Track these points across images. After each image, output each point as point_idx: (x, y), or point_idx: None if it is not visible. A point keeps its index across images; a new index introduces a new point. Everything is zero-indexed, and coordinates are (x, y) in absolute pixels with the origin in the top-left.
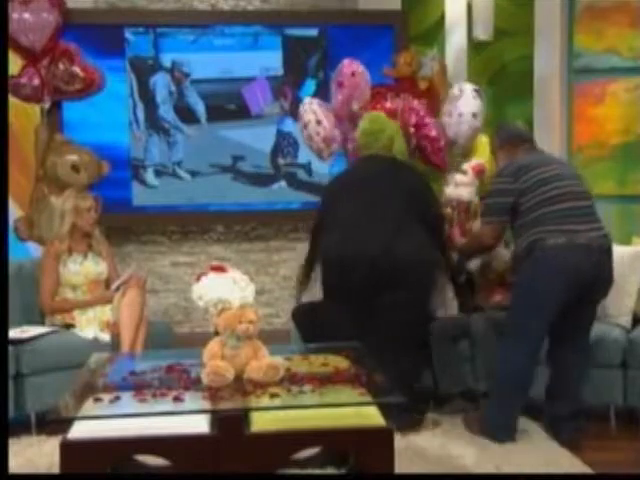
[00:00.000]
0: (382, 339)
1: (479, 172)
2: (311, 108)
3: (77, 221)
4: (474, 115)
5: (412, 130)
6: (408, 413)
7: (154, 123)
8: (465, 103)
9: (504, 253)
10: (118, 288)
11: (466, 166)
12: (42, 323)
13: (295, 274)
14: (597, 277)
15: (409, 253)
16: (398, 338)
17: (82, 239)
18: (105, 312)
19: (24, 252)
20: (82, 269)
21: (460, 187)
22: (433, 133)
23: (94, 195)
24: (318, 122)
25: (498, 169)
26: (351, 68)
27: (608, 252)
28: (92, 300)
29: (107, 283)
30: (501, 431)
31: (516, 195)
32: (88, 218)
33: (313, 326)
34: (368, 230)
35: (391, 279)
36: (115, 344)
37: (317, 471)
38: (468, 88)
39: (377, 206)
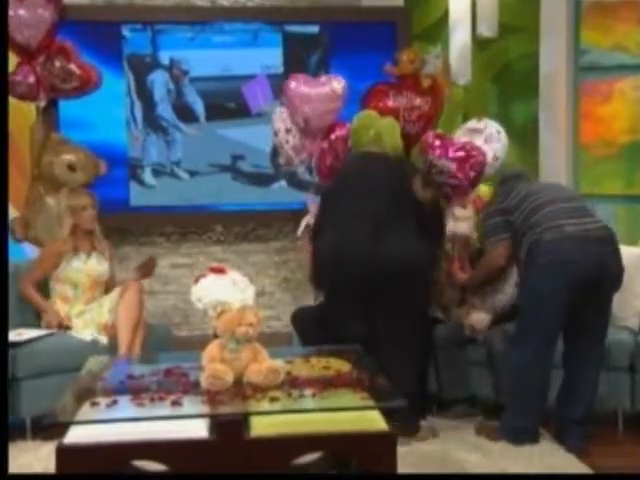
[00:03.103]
0: (383, 341)
1: (479, 207)
2: (281, 117)
3: (75, 220)
4: (500, 159)
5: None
6: (408, 417)
7: (152, 122)
8: (501, 148)
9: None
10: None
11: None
12: (38, 326)
13: (295, 276)
14: (600, 269)
15: (398, 255)
16: (398, 340)
17: (85, 237)
18: (102, 314)
19: (20, 253)
20: (85, 267)
21: (459, 221)
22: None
23: (89, 192)
24: (287, 130)
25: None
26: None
27: (609, 243)
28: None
29: (107, 285)
30: (521, 435)
31: (507, 213)
32: (86, 216)
33: (313, 330)
34: (356, 233)
35: (382, 282)
36: (113, 347)
37: None
38: (502, 131)
39: (364, 208)
